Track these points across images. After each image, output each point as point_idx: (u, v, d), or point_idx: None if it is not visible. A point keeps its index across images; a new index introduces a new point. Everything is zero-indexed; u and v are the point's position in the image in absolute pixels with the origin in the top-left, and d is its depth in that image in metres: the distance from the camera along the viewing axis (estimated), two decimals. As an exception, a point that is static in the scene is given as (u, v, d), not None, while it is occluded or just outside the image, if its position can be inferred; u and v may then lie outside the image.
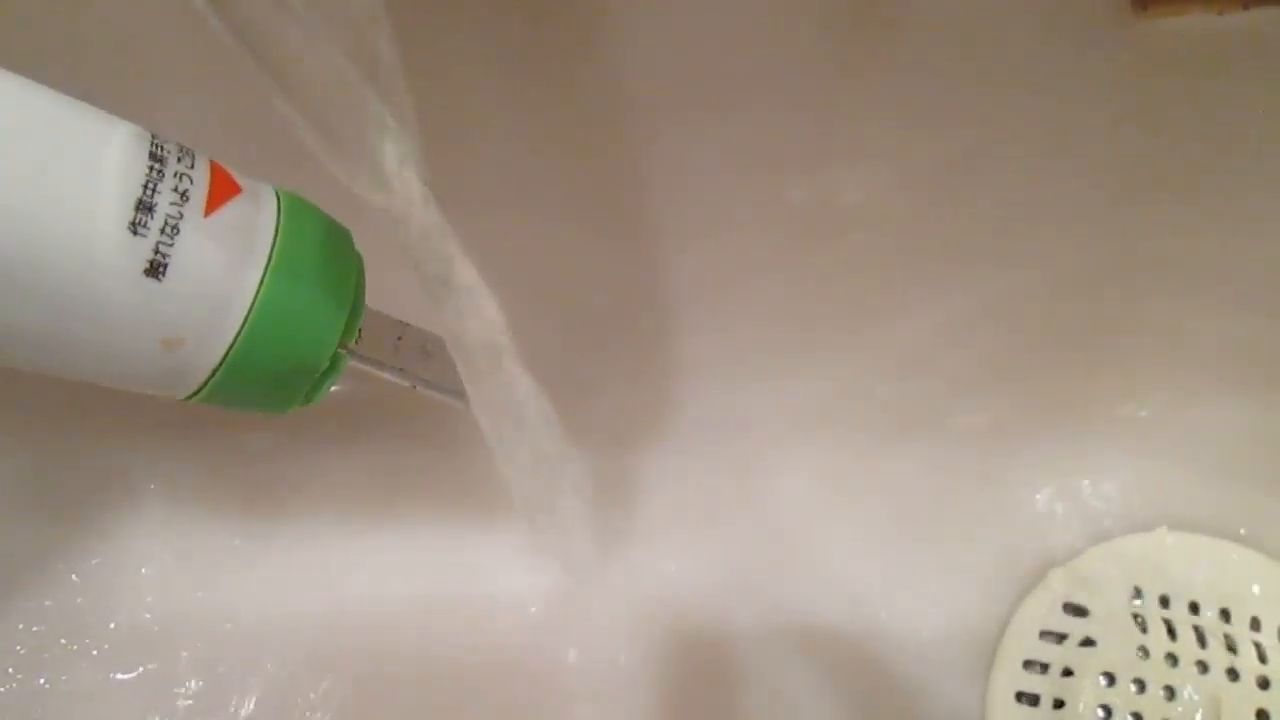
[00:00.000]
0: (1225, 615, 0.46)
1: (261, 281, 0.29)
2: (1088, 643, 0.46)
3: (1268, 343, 0.46)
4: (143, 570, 0.47)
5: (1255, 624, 0.45)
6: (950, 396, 0.49)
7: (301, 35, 0.26)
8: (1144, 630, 0.46)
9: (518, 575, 0.49)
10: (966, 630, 0.48)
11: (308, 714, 0.45)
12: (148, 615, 0.46)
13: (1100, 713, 0.44)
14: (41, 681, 0.44)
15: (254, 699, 0.45)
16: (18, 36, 0.39)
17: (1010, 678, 0.46)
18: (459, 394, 0.38)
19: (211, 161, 0.29)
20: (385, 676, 0.46)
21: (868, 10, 0.42)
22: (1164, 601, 0.46)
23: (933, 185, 0.45)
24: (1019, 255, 0.46)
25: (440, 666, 0.47)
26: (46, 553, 0.46)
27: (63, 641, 0.45)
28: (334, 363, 0.32)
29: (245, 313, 0.29)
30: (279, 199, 0.31)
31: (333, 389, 0.34)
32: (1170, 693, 0.44)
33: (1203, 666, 0.44)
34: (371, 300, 0.35)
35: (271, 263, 0.29)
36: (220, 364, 0.29)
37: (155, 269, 0.27)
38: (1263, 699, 0.43)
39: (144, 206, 0.27)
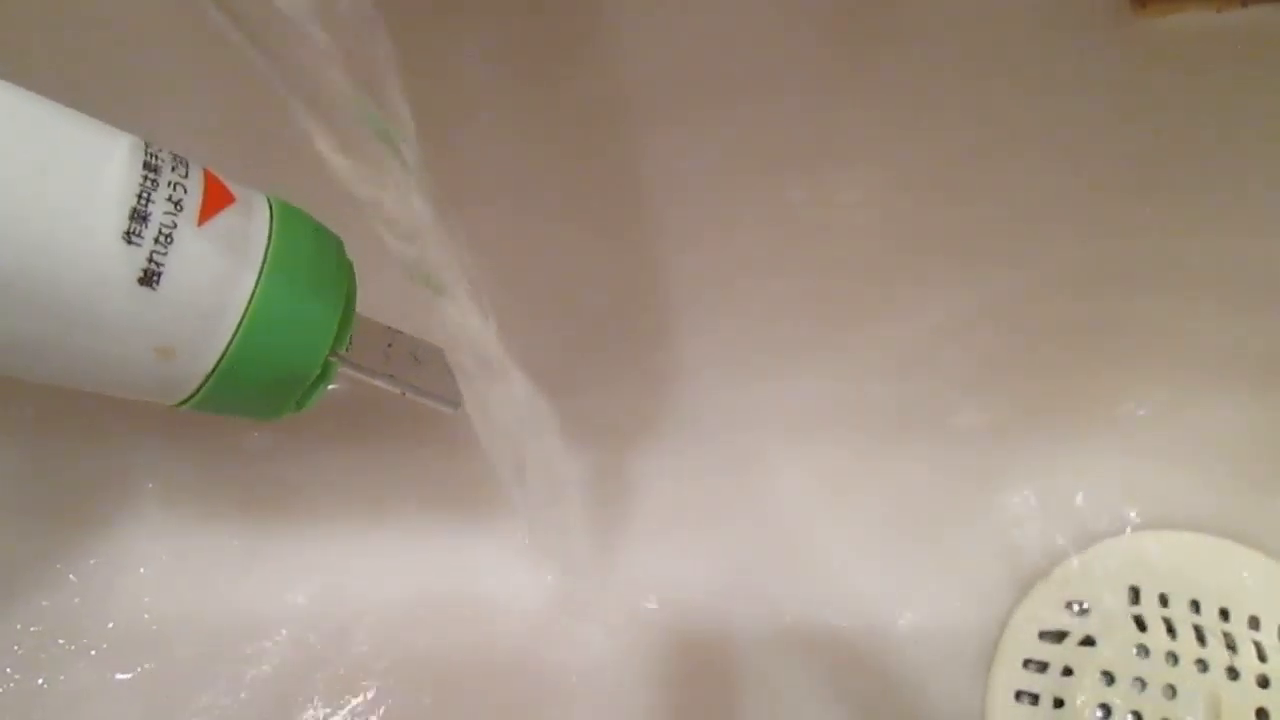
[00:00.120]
0: (1225, 614, 0.46)
1: (254, 289, 0.29)
2: (1087, 641, 0.46)
3: (1267, 341, 0.45)
4: (141, 570, 0.47)
5: (1254, 623, 0.45)
6: (950, 396, 0.49)
7: (298, 29, 0.25)
8: (1143, 629, 0.46)
9: (516, 575, 0.49)
10: (966, 629, 0.48)
11: (306, 713, 0.45)
12: (146, 615, 0.46)
13: (1100, 711, 0.44)
14: (40, 682, 0.44)
15: (251, 698, 0.46)
16: (13, 43, 0.39)
17: (1010, 676, 0.46)
18: (450, 401, 0.38)
19: (205, 170, 0.29)
20: (384, 676, 0.46)
21: (867, 9, 0.42)
22: (1163, 600, 0.46)
23: (932, 184, 0.45)
24: (1018, 254, 0.46)
25: (439, 666, 0.47)
26: (45, 553, 0.46)
27: (61, 641, 0.45)
28: (325, 370, 0.32)
29: (238, 321, 0.29)
30: (271, 207, 0.31)
31: (329, 389, 0.34)
32: (1170, 691, 0.44)
33: (1202, 665, 0.44)
34: (362, 307, 0.35)
35: (264, 271, 0.29)
36: (213, 371, 0.29)
37: (150, 278, 0.27)
38: (1262, 697, 0.43)
39: (138, 216, 0.27)
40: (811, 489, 0.50)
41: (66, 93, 0.28)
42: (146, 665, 0.45)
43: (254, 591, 0.47)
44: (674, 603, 0.49)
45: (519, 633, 0.48)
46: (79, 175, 0.26)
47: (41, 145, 0.26)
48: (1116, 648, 0.45)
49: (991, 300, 0.47)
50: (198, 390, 0.30)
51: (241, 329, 0.29)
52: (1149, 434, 0.48)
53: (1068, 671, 0.46)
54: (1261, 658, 0.44)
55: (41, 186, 0.25)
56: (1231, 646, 0.45)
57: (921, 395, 0.49)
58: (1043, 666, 0.46)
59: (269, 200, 0.31)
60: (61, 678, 0.44)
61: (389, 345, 0.37)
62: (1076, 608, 0.47)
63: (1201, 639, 0.45)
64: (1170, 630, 0.45)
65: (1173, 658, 0.45)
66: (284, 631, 0.47)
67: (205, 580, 0.47)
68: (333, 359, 0.33)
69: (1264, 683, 0.44)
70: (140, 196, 0.27)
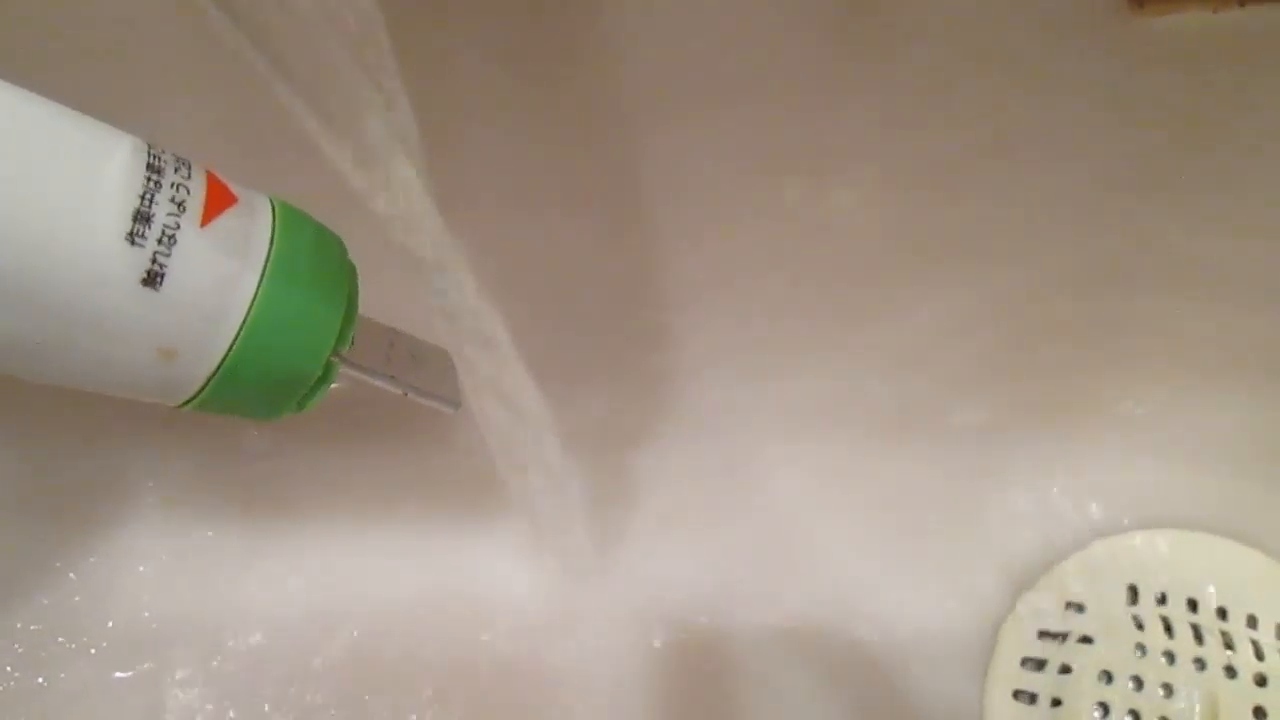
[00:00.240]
0: (1222, 613, 0.46)
1: (257, 290, 0.29)
2: (1085, 640, 0.46)
3: (1265, 340, 0.46)
4: (140, 569, 0.47)
5: (1252, 621, 0.45)
6: (948, 394, 0.49)
7: (299, 25, 0.26)
8: (1141, 628, 0.46)
9: (516, 575, 0.49)
10: (964, 628, 0.48)
11: (305, 712, 0.46)
12: (145, 614, 0.46)
13: (1097, 710, 0.44)
14: (40, 680, 0.44)
15: (250, 697, 0.46)
16: (14, 44, 0.39)
17: (1008, 675, 0.46)
18: (450, 401, 0.38)
19: (208, 171, 0.29)
20: (383, 676, 0.46)
21: (865, 9, 0.42)
22: (1161, 599, 0.46)
23: (931, 184, 0.45)
24: (1017, 253, 0.46)
25: (438, 665, 0.47)
26: (44, 551, 0.46)
27: (60, 640, 0.45)
28: (326, 371, 0.33)
29: (240, 321, 0.29)
30: (274, 208, 0.31)
31: (331, 387, 0.34)
32: (1168, 690, 0.44)
33: (1200, 664, 0.44)
34: (363, 308, 0.35)
35: (266, 272, 0.29)
36: (215, 372, 0.30)
37: (153, 279, 0.27)
38: (1260, 696, 0.43)
39: (141, 217, 0.27)
40: (811, 488, 0.50)
41: (67, 95, 0.28)
42: (146, 664, 0.45)
43: (253, 590, 0.47)
44: (673, 602, 0.49)
45: (518, 632, 0.48)
46: (82, 176, 0.26)
47: (44, 146, 0.26)
48: (1114, 646, 0.46)
49: (991, 300, 0.47)
50: (200, 391, 0.30)
51: (244, 330, 0.29)
52: (1148, 433, 0.48)
53: (1065, 670, 0.46)
54: (1259, 656, 0.44)
55: (44, 187, 0.25)
56: (1229, 645, 0.45)
57: (920, 394, 0.49)
58: (1040, 665, 0.46)
59: (271, 201, 0.31)
60: (61, 676, 0.45)
61: (390, 346, 0.37)
62: (1074, 607, 0.47)
63: (1199, 638, 0.45)
64: (1168, 629, 0.45)
65: (1170, 656, 0.45)
66: (283, 630, 0.47)
67: (205, 579, 0.47)
68: (334, 360, 0.33)
69: (1261, 681, 0.44)
70: (143, 198, 0.27)
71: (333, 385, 0.34)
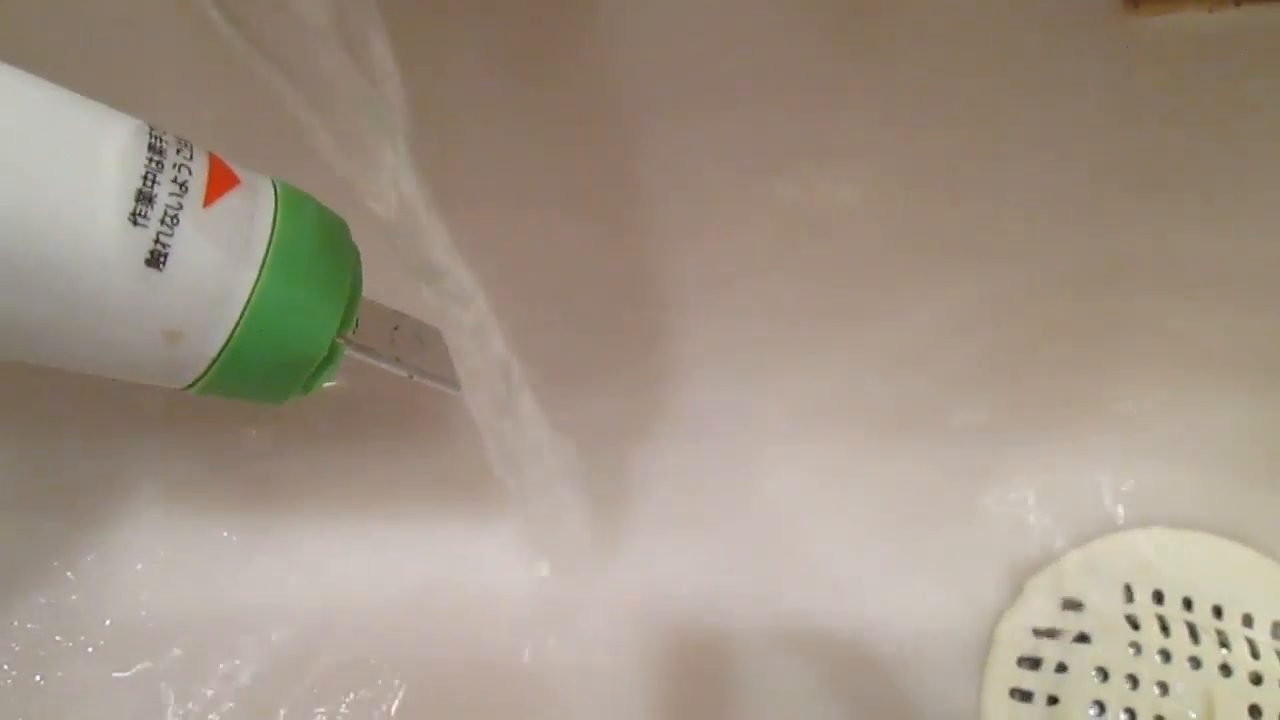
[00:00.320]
0: (1218, 611, 0.46)
1: (260, 271, 0.29)
2: (1081, 639, 0.46)
3: (1264, 340, 0.46)
4: (138, 567, 0.47)
5: (1248, 620, 0.45)
6: (947, 394, 0.49)
7: (296, 24, 0.26)
8: (1137, 627, 0.46)
9: (514, 573, 0.49)
10: (961, 627, 0.48)
11: (303, 711, 0.45)
12: (143, 612, 0.46)
13: (1094, 709, 0.44)
14: (37, 678, 0.44)
15: (248, 695, 0.45)
16: (18, 31, 0.39)
17: (1004, 674, 0.46)
18: (454, 383, 0.38)
19: (210, 153, 0.30)
20: (381, 673, 0.46)
21: (864, 9, 0.42)
22: (1157, 597, 0.46)
23: (930, 183, 0.45)
24: (1015, 252, 0.46)
25: (436, 664, 0.47)
26: (42, 549, 0.46)
27: (58, 638, 0.45)
28: (332, 352, 0.32)
29: (244, 302, 0.29)
30: (276, 190, 0.31)
31: (329, 385, 0.35)
32: (1163, 688, 0.44)
33: (1195, 662, 0.44)
34: (367, 291, 0.35)
35: (270, 253, 0.30)
36: (220, 353, 0.30)
37: (156, 259, 0.27)
38: (1255, 694, 0.43)
39: (144, 197, 0.27)
40: (809, 488, 0.50)
41: (72, 82, 0.28)
42: (144, 662, 0.45)
43: (251, 588, 0.47)
44: (670, 601, 0.49)
45: (516, 631, 0.48)
46: (84, 158, 0.26)
47: (46, 129, 0.26)
48: (1110, 645, 0.46)
49: (990, 299, 0.47)
50: (204, 373, 0.30)
51: (248, 311, 0.29)
52: (1146, 433, 0.48)
53: (1062, 669, 0.46)
54: (1254, 655, 0.44)
55: (46, 169, 0.25)
56: (1224, 644, 0.45)
57: (920, 394, 0.49)
58: (1037, 664, 0.46)
59: (274, 183, 0.31)
60: (59, 674, 0.44)
61: (395, 328, 0.37)
62: (1071, 605, 0.47)
63: (1195, 636, 0.45)
64: (1164, 628, 0.45)
65: (1166, 655, 0.45)
66: (281, 628, 0.47)
67: (202, 577, 0.47)
68: (339, 341, 0.33)
69: (1257, 680, 0.44)
70: (145, 178, 0.27)
71: (332, 384, 0.34)
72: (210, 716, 0.45)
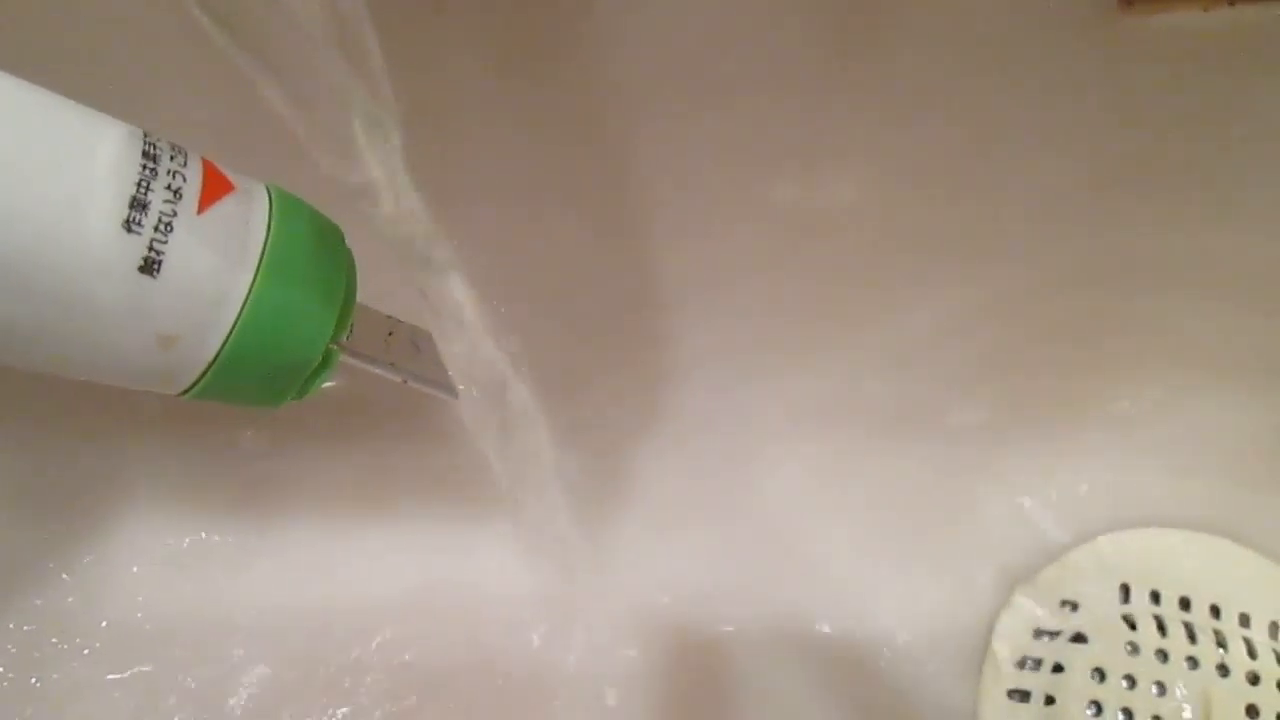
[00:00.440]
0: (1215, 611, 0.46)
1: (255, 277, 0.29)
2: (1078, 639, 0.46)
3: (1262, 339, 0.46)
4: (134, 569, 0.47)
5: (1245, 620, 0.45)
6: (946, 393, 0.49)
7: (288, 24, 0.26)
8: (1134, 627, 0.46)
9: (511, 574, 0.49)
10: (959, 627, 0.48)
11: (301, 713, 0.45)
12: (139, 614, 0.46)
13: (1091, 709, 0.44)
14: (33, 680, 0.44)
15: (246, 697, 0.45)
16: (11, 36, 0.39)
17: (1002, 674, 0.46)
18: (449, 388, 0.38)
19: (204, 159, 0.30)
20: (378, 674, 0.46)
21: (861, 7, 0.42)
22: (1154, 597, 0.46)
23: (928, 182, 0.45)
24: (1014, 252, 0.46)
25: (433, 665, 0.47)
26: (38, 551, 0.46)
27: (54, 640, 0.45)
28: (326, 358, 0.33)
29: (239, 308, 0.29)
30: (270, 196, 0.31)
31: (325, 386, 0.34)
32: (1160, 688, 0.44)
33: (1193, 662, 0.44)
34: (361, 296, 0.35)
35: (264, 259, 0.30)
36: (214, 359, 0.30)
37: (150, 266, 0.27)
38: (1252, 694, 0.43)
39: (138, 204, 0.27)
40: (809, 487, 0.50)
41: (65, 87, 0.28)
42: (140, 664, 0.45)
43: (247, 590, 0.47)
44: (668, 601, 0.49)
45: (516, 631, 0.48)
46: (78, 165, 0.26)
47: (40, 135, 0.26)
48: (1107, 645, 0.46)
49: (989, 298, 0.47)
50: (199, 379, 0.30)
51: (243, 316, 0.29)
52: (1145, 433, 0.48)
53: (1059, 669, 0.46)
54: (1252, 655, 0.44)
55: (40, 175, 0.25)
56: (1222, 644, 0.45)
57: (919, 393, 0.49)
58: (1034, 664, 0.46)
59: (268, 189, 0.31)
60: (55, 676, 0.44)
61: (389, 334, 0.37)
62: (1068, 605, 0.47)
63: (1192, 636, 0.45)
64: (1161, 628, 0.45)
65: (1163, 655, 0.45)
66: (277, 630, 0.47)
67: (199, 579, 0.47)
68: (334, 347, 0.33)
69: (1254, 679, 0.44)
70: (139, 185, 0.27)
71: (329, 384, 0.34)
72: (207, 719, 0.45)
